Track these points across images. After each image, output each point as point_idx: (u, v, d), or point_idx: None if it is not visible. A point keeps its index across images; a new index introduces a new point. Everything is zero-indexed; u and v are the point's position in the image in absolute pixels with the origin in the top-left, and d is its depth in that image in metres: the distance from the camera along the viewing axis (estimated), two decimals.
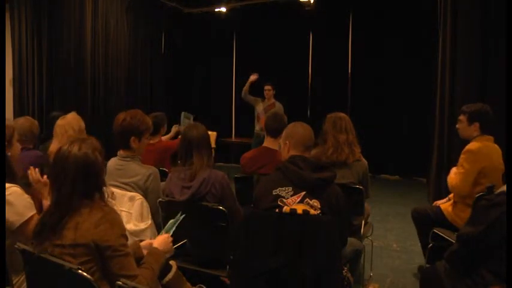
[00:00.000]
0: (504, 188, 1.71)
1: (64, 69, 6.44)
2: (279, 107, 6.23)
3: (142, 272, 1.61)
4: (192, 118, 4.73)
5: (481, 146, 2.88)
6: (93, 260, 1.49)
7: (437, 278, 1.92)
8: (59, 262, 1.44)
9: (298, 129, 2.19)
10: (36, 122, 3.30)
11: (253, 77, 6.45)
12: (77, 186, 1.52)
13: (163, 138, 4.03)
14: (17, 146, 2.39)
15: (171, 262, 1.93)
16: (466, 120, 2.98)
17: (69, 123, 2.97)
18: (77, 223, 1.49)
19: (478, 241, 1.71)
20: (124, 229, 1.59)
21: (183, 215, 2.02)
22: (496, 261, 1.66)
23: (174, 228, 1.98)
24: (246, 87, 6.48)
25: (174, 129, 4.39)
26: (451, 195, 3.08)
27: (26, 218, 1.84)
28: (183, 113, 4.75)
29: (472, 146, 2.91)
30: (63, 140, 2.86)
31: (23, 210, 1.85)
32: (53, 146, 2.90)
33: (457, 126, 3.09)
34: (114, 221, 1.54)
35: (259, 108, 6.38)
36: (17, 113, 5.91)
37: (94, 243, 1.47)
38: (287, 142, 2.18)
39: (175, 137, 4.25)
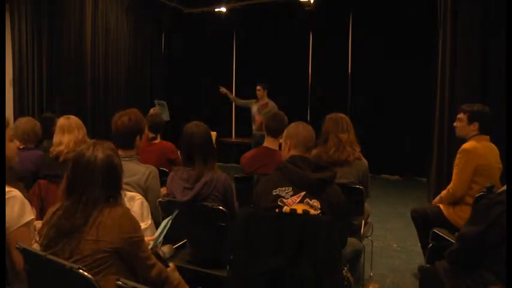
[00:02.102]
0: (505, 187, 1.70)
1: (64, 69, 6.44)
2: (272, 105, 6.26)
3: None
4: (165, 104, 4.79)
5: (476, 145, 2.89)
6: (109, 257, 1.54)
7: (437, 277, 1.92)
8: (60, 262, 1.45)
9: (299, 130, 2.19)
10: (38, 123, 3.30)
11: (222, 91, 6.83)
12: (104, 188, 1.58)
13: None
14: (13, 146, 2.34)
15: (170, 264, 1.93)
16: (466, 119, 2.98)
17: (77, 122, 2.97)
18: (99, 222, 1.54)
19: (479, 240, 1.70)
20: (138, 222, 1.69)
21: (177, 211, 2.04)
22: (496, 260, 1.66)
23: (168, 227, 1.99)
24: (231, 98, 6.82)
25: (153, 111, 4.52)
26: (442, 193, 3.08)
27: (18, 225, 1.75)
28: (156, 102, 4.81)
29: (467, 145, 2.93)
30: (80, 135, 2.86)
31: (16, 217, 1.75)
32: (66, 139, 2.84)
33: (454, 124, 3.10)
34: (133, 216, 1.64)
35: (254, 108, 6.41)
36: (17, 113, 5.92)
37: (121, 240, 1.53)
38: (288, 142, 2.19)
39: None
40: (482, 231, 1.69)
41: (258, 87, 6.41)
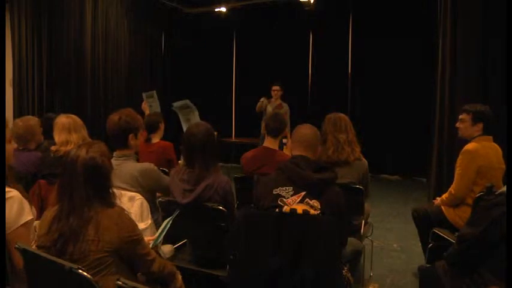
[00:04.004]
0: (505, 188, 1.70)
1: (64, 69, 6.44)
2: (286, 107, 6.32)
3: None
4: (155, 94, 4.47)
5: (478, 146, 2.88)
6: (108, 257, 1.55)
7: (436, 277, 1.92)
8: (59, 262, 1.45)
9: (302, 130, 2.20)
10: (38, 124, 3.28)
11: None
12: (89, 189, 1.58)
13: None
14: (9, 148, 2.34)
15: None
16: (470, 120, 2.96)
17: (79, 120, 2.97)
18: (98, 223, 1.55)
19: (478, 242, 1.70)
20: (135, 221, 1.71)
21: (178, 212, 2.04)
22: (495, 261, 1.65)
23: (168, 227, 1.99)
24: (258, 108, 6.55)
25: (145, 106, 4.37)
26: (444, 196, 3.07)
27: (17, 225, 1.74)
28: (144, 95, 4.50)
29: (469, 146, 2.91)
30: (85, 134, 2.90)
31: (15, 217, 1.74)
32: (75, 138, 2.86)
33: (457, 125, 3.07)
34: (129, 216, 1.67)
35: (269, 109, 6.39)
36: (17, 113, 5.92)
37: (120, 240, 1.55)
38: (291, 143, 2.21)
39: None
40: (480, 233, 1.68)
41: (277, 88, 6.40)
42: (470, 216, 1.87)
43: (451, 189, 2.97)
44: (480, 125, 2.94)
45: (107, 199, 1.63)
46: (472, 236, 1.72)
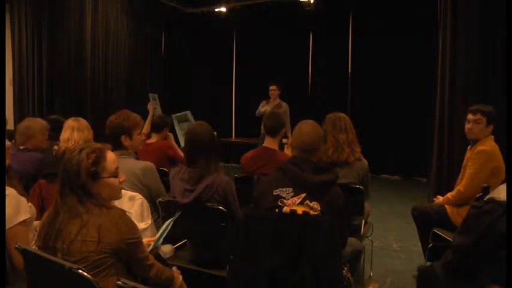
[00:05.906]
0: (494, 194, 1.66)
1: (64, 69, 6.44)
2: (285, 106, 6.30)
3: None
4: (157, 97, 4.51)
5: (492, 147, 2.91)
6: (108, 258, 1.54)
7: (434, 277, 1.91)
8: (59, 262, 1.45)
9: (302, 131, 2.16)
10: (46, 126, 3.30)
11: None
12: (81, 190, 1.58)
13: (146, 124, 4.01)
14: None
15: (174, 268, 1.93)
16: (486, 121, 2.95)
17: (86, 123, 3.06)
18: (97, 224, 1.54)
19: (471, 251, 1.68)
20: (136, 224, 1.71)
21: (179, 213, 2.04)
22: (492, 268, 1.63)
23: (169, 229, 1.99)
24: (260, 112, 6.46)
25: (151, 107, 4.35)
26: (449, 194, 3.07)
27: (14, 223, 1.75)
28: (150, 95, 4.51)
29: (484, 146, 2.91)
30: (89, 135, 2.99)
31: (11, 215, 1.75)
32: (76, 136, 2.93)
33: (470, 126, 3.00)
34: (130, 219, 1.66)
35: (268, 109, 6.37)
36: (17, 113, 5.92)
37: (119, 241, 1.55)
38: (292, 140, 2.20)
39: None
40: (473, 243, 1.65)
41: (274, 87, 6.37)
42: (461, 224, 1.84)
43: (460, 187, 2.95)
44: (491, 126, 2.96)
45: (100, 200, 1.62)
46: (464, 246, 1.69)
